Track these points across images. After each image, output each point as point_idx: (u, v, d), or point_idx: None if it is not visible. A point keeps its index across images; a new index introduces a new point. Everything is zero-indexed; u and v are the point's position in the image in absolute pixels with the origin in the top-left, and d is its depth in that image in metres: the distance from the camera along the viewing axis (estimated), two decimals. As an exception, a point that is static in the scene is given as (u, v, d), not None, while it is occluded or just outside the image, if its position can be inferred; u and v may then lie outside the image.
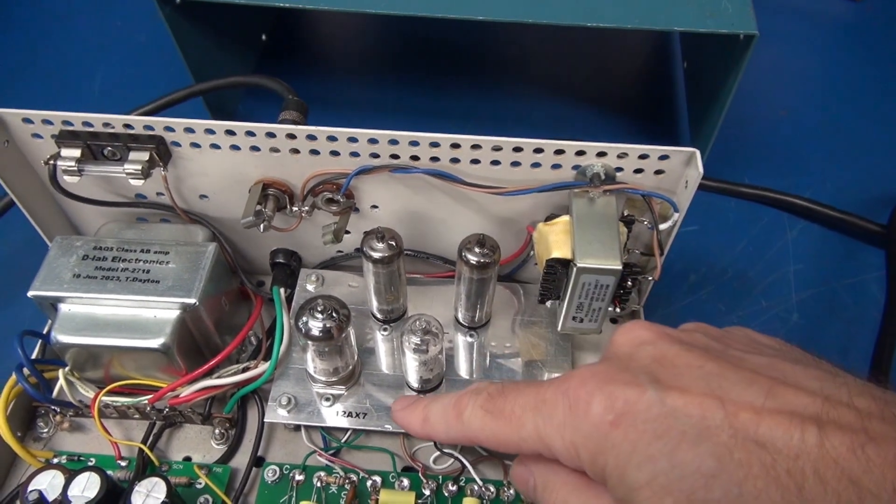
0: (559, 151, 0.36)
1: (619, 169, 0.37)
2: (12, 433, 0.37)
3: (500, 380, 0.27)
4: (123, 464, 0.39)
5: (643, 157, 0.37)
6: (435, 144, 0.37)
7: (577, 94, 0.66)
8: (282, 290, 0.43)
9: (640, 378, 0.22)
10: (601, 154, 0.37)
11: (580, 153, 0.37)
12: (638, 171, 0.37)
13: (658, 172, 0.37)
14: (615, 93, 0.67)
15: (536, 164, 0.37)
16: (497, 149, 0.36)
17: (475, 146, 0.36)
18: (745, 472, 0.19)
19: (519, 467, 0.28)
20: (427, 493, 0.37)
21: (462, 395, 0.27)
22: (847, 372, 0.22)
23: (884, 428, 0.19)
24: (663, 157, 0.36)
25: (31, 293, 0.37)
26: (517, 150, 0.36)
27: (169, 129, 0.37)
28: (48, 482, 0.34)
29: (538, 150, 0.36)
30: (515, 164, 0.37)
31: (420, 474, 0.38)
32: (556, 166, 0.37)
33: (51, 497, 0.33)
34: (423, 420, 0.29)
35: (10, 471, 0.39)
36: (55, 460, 0.39)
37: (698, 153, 0.36)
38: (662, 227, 0.38)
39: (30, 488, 0.32)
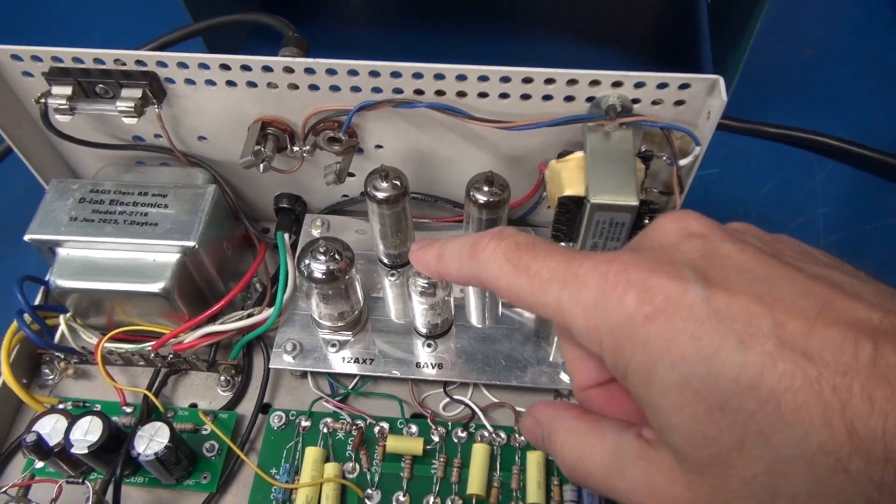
0: (572, 82, 0.34)
1: (637, 100, 0.35)
2: (16, 380, 0.37)
3: (526, 234, 0.24)
4: (128, 410, 0.38)
5: (662, 86, 0.34)
6: (440, 76, 0.35)
7: (592, 31, 0.63)
8: (286, 236, 0.41)
9: (686, 273, 0.20)
10: (617, 84, 0.34)
11: (595, 83, 0.34)
12: (656, 102, 0.35)
13: (678, 103, 0.35)
14: (634, 30, 0.64)
15: (548, 97, 0.35)
16: (506, 80, 0.34)
17: (482, 78, 0.34)
18: (787, 385, 0.18)
19: (528, 419, 0.26)
20: (436, 439, 0.36)
21: (482, 236, 0.25)
22: None
23: None
24: (684, 87, 0.34)
25: (27, 237, 0.36)
26: (527, 80, 0.34)
27: (161, 64, 0.35)
28: (51, 426, 0.33)
29: (549, 81, 0.34)
30: (525, 96, 0.35)
31: (429, 420, 0.37)
32: (568, 98, 0.35)
33: (53, 441, 0.32)
34: (438, 256, 0.26)
35: (15, 417, 0.39)
36: (60, 406, 0.38)
37: (721, 80, 0.33)
38: (682, 162, 0.35)
39: (30, 431, 0.32)
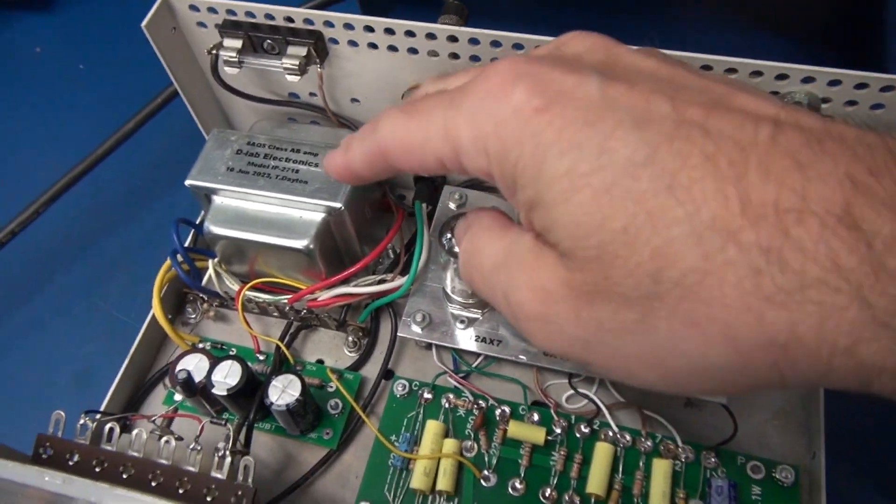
0: (756, 73, 0.31)
1: (827, 100, 0.32)
2: (164, 315, 0.39)
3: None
4: (261, 357, 0.40)
5: (861, 86, 0.31)
6: (609, 57, 0.33)
7: (749, 16, 0.58)
8: (424, 205, 0.41)
9: (583, 70, 0.20)
10: (808, 80, 0.31)
11: (782, 77, 0.31)
12: (850, 103, 0.32)
13: (876, 107, 0.31)
14: (796, 15, 0.58)
15: (724, 88, 0.32)
16: (681, 66, 0.32)
17: (656, 61, 0.32)
18: (682, 163, 0.17)
19: (462, 221, 0.27)
20: (558, 431, 0.35)
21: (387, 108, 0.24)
22: None
23: (847, 129, 0.17)
24: (887, 89, 0.31)
25: (188, 182, 0.38)
26: (706, 68, 0.32)
27: (328, 24, 0.35)
28: (194, 364, 0.35)
29: (731, 70, 0.32)
30: (700, 85, 0.33)
31: (552, 411, 0.36)
32: (748, 91, 0.32)
33: (196, 379, 0.34)
34: (345, 148, 0.25)
35: (160, 349, 0.41)
36: (200, 345, 0.40)
37: (935, 85, 0.29)
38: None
39: (178, 367, 0.34)
